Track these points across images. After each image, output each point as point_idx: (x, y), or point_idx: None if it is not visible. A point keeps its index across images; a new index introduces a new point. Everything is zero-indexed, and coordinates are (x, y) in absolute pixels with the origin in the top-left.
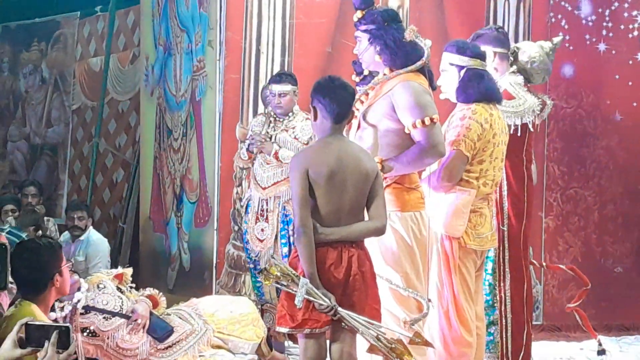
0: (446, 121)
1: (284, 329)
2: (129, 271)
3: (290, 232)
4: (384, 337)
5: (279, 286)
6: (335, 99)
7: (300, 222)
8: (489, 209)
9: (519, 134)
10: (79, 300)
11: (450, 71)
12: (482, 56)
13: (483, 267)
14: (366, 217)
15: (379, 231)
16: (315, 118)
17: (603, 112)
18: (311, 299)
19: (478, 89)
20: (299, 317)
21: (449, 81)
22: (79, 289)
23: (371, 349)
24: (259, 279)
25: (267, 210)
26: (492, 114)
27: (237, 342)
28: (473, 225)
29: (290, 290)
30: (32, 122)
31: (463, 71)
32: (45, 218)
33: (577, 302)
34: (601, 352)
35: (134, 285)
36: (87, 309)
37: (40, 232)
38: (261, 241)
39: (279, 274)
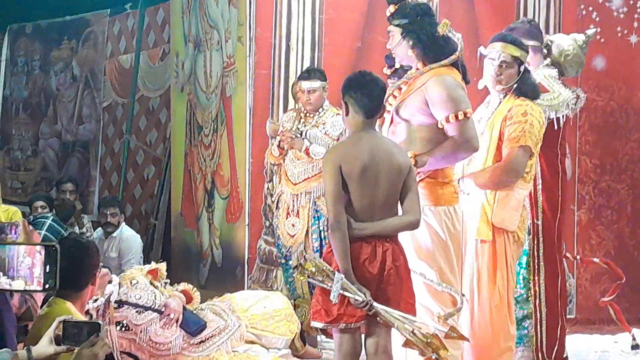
0: (486, 114)
1: (319, 324)
2: (162, 266)
3: (323, 227)
4: (420, 332)
5: (313, 281)
6: (367, 93)
7: (334, 217)
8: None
9: (555, 128)
10: (111, 293)
11: (512, 65)
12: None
13: None
14: (400, 212)
15: (413, 225)
16: (347, 113)
17: (635, 104)
18: (346, 294)
19: (533, 86)
20: (334, 312)
21: (508, 74)
22: (110, 282)
23: (407, 344)
24: (292, 274)
25: (298, 205)
26: (541, 111)
27: (270, 338)
28: (523, 219)
29: (325, 286)
30: (64, 120)
31: (522, 67)
32: (82, 214)
33: (612, 296)
34: (635, 346)
35: (168, 281)
36: (120, 304)
37: (77, 227)
38: (292, 236)
39: (313, 269)
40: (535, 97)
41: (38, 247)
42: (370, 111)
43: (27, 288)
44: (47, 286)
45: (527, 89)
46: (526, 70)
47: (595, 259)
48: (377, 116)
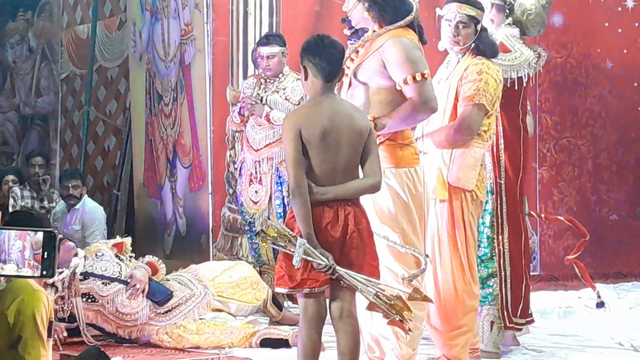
0: (445, 74)
1: (283, 290)
2: (128, 240)
3: (285, 193)
4: (383, 294)
5: (276, 247)
6: (326, 57)
7: (295, 182)
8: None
9: (515, 88)
10: (76, 266)
11: (469, 25)
12: (483, 10)
13: None
14: (360, 175)
15: (374, 188)
16: (306, 77)
17: (594, 60)
18: (309, 258)
19: (492, 44)
20: (298, 277)
21: (466, 34)
22: (75, 255)
23: (370, 306)
24: (255, 241)
25: (260, 172)
26: (498, 69)
27: (237, 305)
28: (482, 178)
29: (287, 251)
30: (22, 93)
31: (479, 26)
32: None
33: (576, 254)
34: (600, 304)
35: (133, 255)
36: (86, 275)
37: (45, 202)
38: (255, 203)
39: (275, 235)
40: (494, 56)
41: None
42: (329, 75)
43: (20, 273)
44: (45, 273)
45: (484, 47)
46: (483, 29)
47: (560, 217)
48: (336, 80)
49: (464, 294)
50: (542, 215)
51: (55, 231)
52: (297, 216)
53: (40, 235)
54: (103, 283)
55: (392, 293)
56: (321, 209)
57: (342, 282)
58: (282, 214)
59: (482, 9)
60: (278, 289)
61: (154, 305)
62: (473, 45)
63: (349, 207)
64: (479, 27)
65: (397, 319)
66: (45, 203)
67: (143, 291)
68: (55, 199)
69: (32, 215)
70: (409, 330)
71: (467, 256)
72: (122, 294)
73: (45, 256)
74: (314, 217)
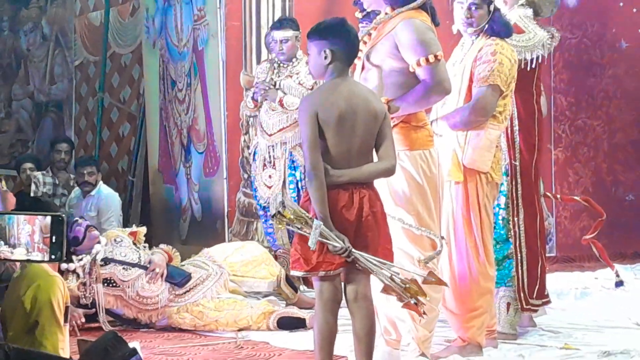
0: (459, 56)
1: (298, 273)
2: (142, 230)
3: (300, 177)
4: (398, 277)
5: (292, 229)
6: (350, 40)
7: (311, 165)
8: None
9: (529, 69)
10: (98, 252)
11: (482, 5)
12: None
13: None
14: (375, 159)
15: (389, 172)
16: (332, 61)
17: (608, 40)
18: (325, 241)
19: (506, 24)
20: (313, 260)
21: (479, 15)
22: (98, 243)
23: (385, 289)
24: (270, 225)
25: (274, 156)
26: (513, 50)
27: (252, 282)
28: (497, 160)
29: (303, 233)
30: (36, 80)
31: (492, 6)
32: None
33: (593, 234)
34: (619, 283)
35: (147, 245)
36: (107, 261)
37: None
38: (269, 187)
39: (292, 216)
40: (508, 36)
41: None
42: (350, 58)
43: (30, 257)
44: (53, 257)
45: (498, 28)
46: (496, 9)
47: (576, 197)
48: (352, 62)
49: (478, 276)
50: (558, 196)
51: (64, 215)
52: (312, 198)
53: (49, 219)
54: (124, 268)
55: (406, 276)
56: (336, 192)
57: (357, 265)
58: (295, 198)
59: None
60: (294, 272)
61: (173, 288)
62: (487, 26)
63: (363, 190)
64: (491, 7)
65: (411, 302)
66: (67, 190)
67: (162, 275)
68: (71, 185)
69: (40, 201)
70: (424, 313)
71: (482, 238)
72: (142, 278)
73: (54, 240)
74: (329, 200)
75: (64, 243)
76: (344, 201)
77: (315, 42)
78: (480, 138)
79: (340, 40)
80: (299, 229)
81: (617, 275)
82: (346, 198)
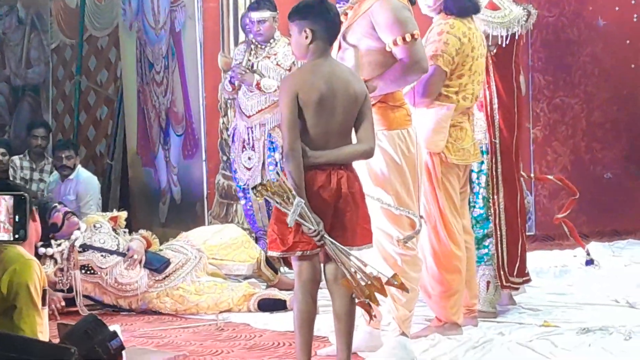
0: (424, 36)
1: (275, 253)
2: (123, 214)
3: (278, 159)
4: (363, 273)
5: (271, 202)
6: (331, 19)
7: (289, 145)
8: (470, 123)
9: (504, 45)
10: (76, 238)
11: None
12: None
13: (467, 183)
14: (354, 140)
15: (368, 154)
16: (312, 41)
17: (586, 18)
18: (301, 220)
19: (456, 2)
20: (290, 240)
21: None
22: (78, 229)
23: (344, 282)
24: (251, 206)
25: (253, 138)
26: (471, 27)
27: (231, 266)
28: (454, 140)
29: (281, 208)
30: (12, 64)
31: None
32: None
33: (566, 212)
34: (589, 261)
35: (127, 230)
36: (85, 247)
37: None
38: (248, 169)
39: (275, 189)
40: (463, 14)
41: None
42: (331, 37)
43: None
44: (17, 236)
45: (450, 5)
46: None
47: (550, 176)
48: (334, 41)
49: (441, 256)
50: (532, 175)
51: (26, 195)
52: (290, 178)
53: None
54: (102, 255)
55: (372, 272)
56: (314, 173)
57: (327, 251)
58: (275, 179)
59: None
60: (271, 253)
61: (152, 274)
62: (444, 5)
63: (341, 171)
64: None
65: (365, 301)
66: (45, 176)
67: (140, 261)
68: (49, 170)
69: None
70: (374, 316)
71: (442, 218)
72: (120, 265)
73: (17, 219)
74: (307, 181)
75: (27, 222)
76: (321, 182)
77: (295, 23)
78: (427, 119)
79: (320, 19)
80: (277, 203)
81: (588, 254)
82: (324, 179)
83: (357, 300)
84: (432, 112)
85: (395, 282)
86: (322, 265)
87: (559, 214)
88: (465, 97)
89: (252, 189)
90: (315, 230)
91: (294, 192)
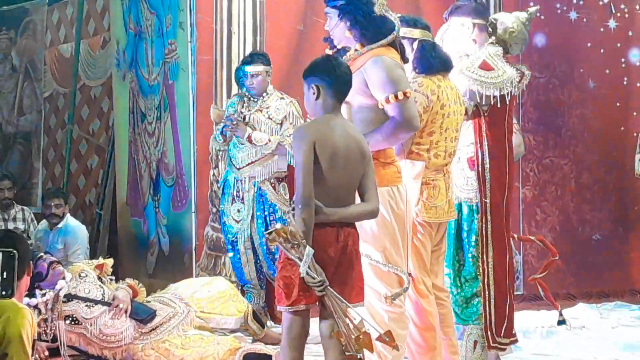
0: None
1: (283, 308)
2: (109, 262)
3: (267, 212)
4: (355, 326)
5: (282, 248)
6: (340, 77)
7: (304, 193)
8: (444, 181)
9: (498, 105)
10: (61, 288)
11: (407, 44)
12: (429, 28)
13: (443, 241)
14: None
15: (374, 214)
16: (317, 97)
17: (576, 80)
18: (310, 271)
19: (430, 60)
20: (294, 294)
21: (408, 53)
22: (63, 279)
23: (336, 334)
24: (238, 258)
25: (242, 190)
26: (440, 85)
27: (219, 319)
28: (426, 198)
29: (292, 256)
30: (4, 111)
31: (415, 43)
32: (21, 207)
33: (543, 274)
34: (562, 322)
35: (113, 277)
36: (70, 297)
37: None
38: (237, 222)
39: (288, 236)
40: (431, 72)
41: None
42: (339, 93)
43: None
44: (3, 293)
45: (419, 64)
46: (422, 47)
47: (532, 237)
48: (344, 99)
49: (414, 313)
50: (515, 236)
51: (15, 251)
52: (300, 227)
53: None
54: (87, 306)
55: (362, 328)
56: (324, 230)
57: (324, 301)
58: (263, 232)
59: (416, 25)
60: (280, 308)
61: (138, 325)
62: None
63: (348, 228)
64: (414, 45)
65: (356, 356)
66: (19, 224)
67: (126, 311)
68: (26, 217)
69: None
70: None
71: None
72: (105, 315)
73: (5, 276)
74: (317, 236)
75: (14, 279)
76: (329, 238)
77: (305, 79)
78: None
79: (326, 75)
80: (287, 249)
81: (561, 315)
82: (333, 236)
83: (346, 353)
84: (402, 170)
85: (387, 339)
86: (315, 320)
87: (536, 275)
88: (437, 155)
89: (268, 233)
90: (320, 281)
91: (304, 241)
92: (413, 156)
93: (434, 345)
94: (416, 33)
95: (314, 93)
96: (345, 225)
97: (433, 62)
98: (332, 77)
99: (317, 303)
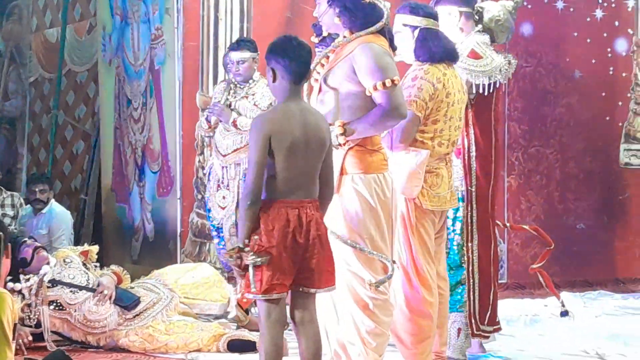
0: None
1: (252, 296)
2: (94, 249)
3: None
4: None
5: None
6: (295, 58)
7: (253, 190)
8: (447, 169)
9: (486, 94)
10: (45, 273)
11: (404, 32)
12: (434, 16)
13: (445, 229)
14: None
15: (332, 197)
16: (274, 79)
17: (562, 69)
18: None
19: (431, 48)
20: (266, 283)
21: (403, 42)
22: (47, 264)
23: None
24: (223, 245)
25: (227, 177)
26: (446, 73)
27: (203, 305)
28: (429, 186)
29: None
30: None
31: (417, 31)
32: (10, 193)
33: (541, 263)
34: (564, 312)
35: (98, 264)
36: (54, 283)
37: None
38: (223, 208)
39: (232, 251)
40: (434, 60)
41: None
42: (298, 76)
43: None
44: None
45: (420, 52)
46: (423, 35)
47: (525, 226)
48: (304, 81)
49: (412, 301)
50: (508, 225)
51: (1, 233)
52: (242, 221)
53: None
54: (71, 291)
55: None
56: (285, 212)
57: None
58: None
59: (418, 13)
60: (248, 296)
61: (122, 311)
62: (414, 52)
63: (310, 213)
64: (415, 33)
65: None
66: (8, 210)
67: (110, 297)
68: (15, 203)
69: None
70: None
71: (414, 264)
72: (89, 301)
73: None
74: (279, 219)
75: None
76: (294, 223)
77: (267, 62)
78: (403, 164)
79: (282, 58)
80: (239, 259)
81: (563, 305)
82: (295, 219)
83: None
84: (407, 158)
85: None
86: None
87: (534, 265)
88: (441, 143)
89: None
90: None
91: (241, 246)
92: (417, 144)
93: (428, 334)
94: (418, 20)
95: (271, 76)
96: (308, 208)
97: (434, 50)
98: (287, 58)
99: (286, 291)
